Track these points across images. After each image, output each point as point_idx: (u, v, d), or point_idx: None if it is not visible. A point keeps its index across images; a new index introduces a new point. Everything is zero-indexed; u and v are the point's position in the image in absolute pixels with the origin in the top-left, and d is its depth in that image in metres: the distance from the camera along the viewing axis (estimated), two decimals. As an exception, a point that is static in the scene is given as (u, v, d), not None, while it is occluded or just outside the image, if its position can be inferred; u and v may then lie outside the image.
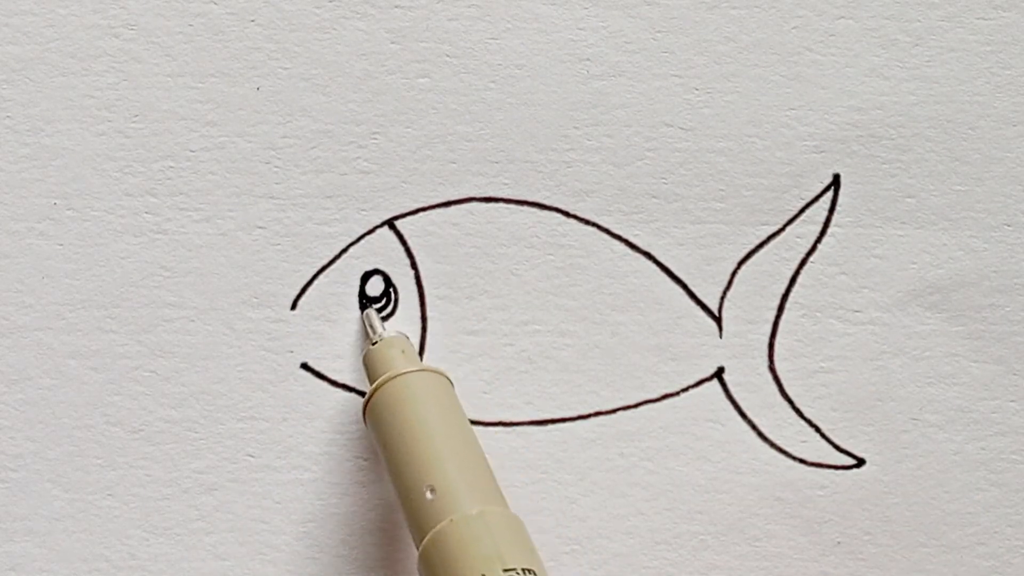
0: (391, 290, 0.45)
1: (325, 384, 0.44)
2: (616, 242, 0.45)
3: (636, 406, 0.45)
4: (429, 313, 0.45)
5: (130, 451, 0.44)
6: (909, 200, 0.46)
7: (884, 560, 0.45)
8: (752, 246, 0.45)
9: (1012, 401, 0.45)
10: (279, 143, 0.45)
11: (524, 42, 0.45)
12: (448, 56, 0.45)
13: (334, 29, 0.45)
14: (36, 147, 0.44)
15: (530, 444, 0.45)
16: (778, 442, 0.45)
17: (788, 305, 0.45)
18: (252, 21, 0.45)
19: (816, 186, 0.46)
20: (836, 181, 0.46)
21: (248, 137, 0.45)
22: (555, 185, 0.45)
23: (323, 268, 0.45)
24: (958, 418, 0.45)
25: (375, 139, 0.45)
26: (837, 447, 0.45)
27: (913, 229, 0.46)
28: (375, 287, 0.45)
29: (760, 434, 0.45)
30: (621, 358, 0.45)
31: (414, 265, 0.45)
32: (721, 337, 0.45)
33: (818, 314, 0.45)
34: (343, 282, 0.45)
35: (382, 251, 0.45)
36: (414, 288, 0.45)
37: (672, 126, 0.45)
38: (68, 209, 0.44)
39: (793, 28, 0.46)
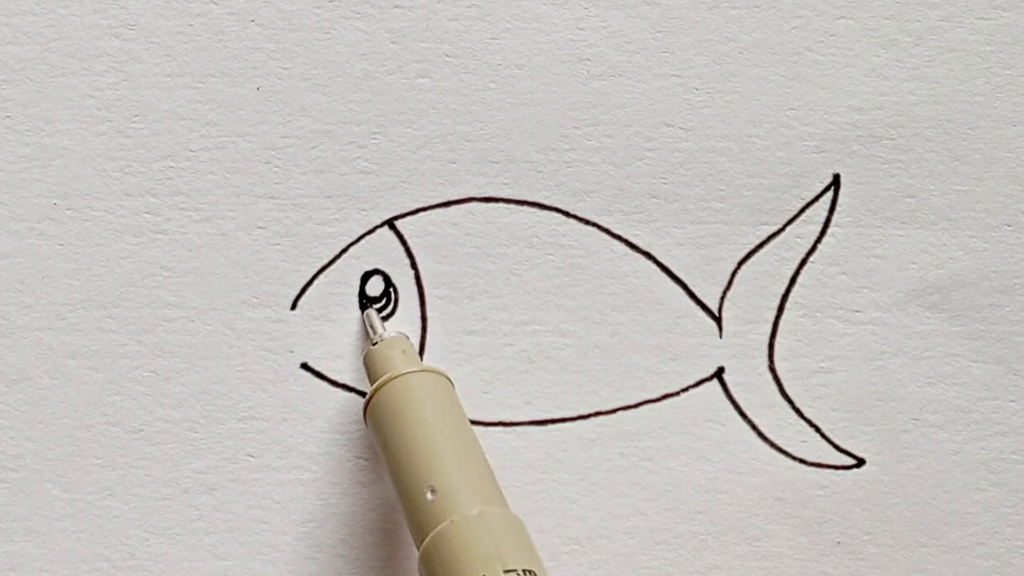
0: (391, 290, 0.45)
1: (325, 384, 0.44)
2: (616, 242, 0.45)
3: (636, 406, 0.45)
4: (429, 313, 0.45)
5: (130, 451, 0.44)
6: (909, 200, 0.46)
7: (884, 560, 0.45)
8: (752, 246, 0.45)
9: (1012, 401, 0.45)
10: (279, 143, 0.45)
11: (524, 42, 0.45)
12: (448, 56, 0.45)
13: (334, 29, 0.45)
14: (36, 147, 0.44)
15: (530, 444, 0.45)
16: (778, 442, 0.45)
17: (788, 305, 0.45)
18: (252, 21, 0.45)
19: (816, 186, 0.46)
20: (836, 181, 0.46)
21: (248, 137, 0.45)
22: (555, 185, 0.45)
23: (323, 268, 0.45)
24: (958, 418, 0.45)
25: (375, 139, 0.45)
26: (837, 447, 0.45)
27: (913, 229, 0.46)
28: (375, 287, 0.45)
29: (760, 434, 0.45)
30: (621, 358, 0.45)
31: (414, 265, 0.45)
32: (721, 337, 0.45)
33: (818, 314, 0.45)
34: (343, 282, 0.45)
35: (382, 251, 0.45)
36: (414, 288, 0.45)
37: (672, 126, 0.45)
38: (68, 209, 0.44)
39: (793, 28, 0.46)
